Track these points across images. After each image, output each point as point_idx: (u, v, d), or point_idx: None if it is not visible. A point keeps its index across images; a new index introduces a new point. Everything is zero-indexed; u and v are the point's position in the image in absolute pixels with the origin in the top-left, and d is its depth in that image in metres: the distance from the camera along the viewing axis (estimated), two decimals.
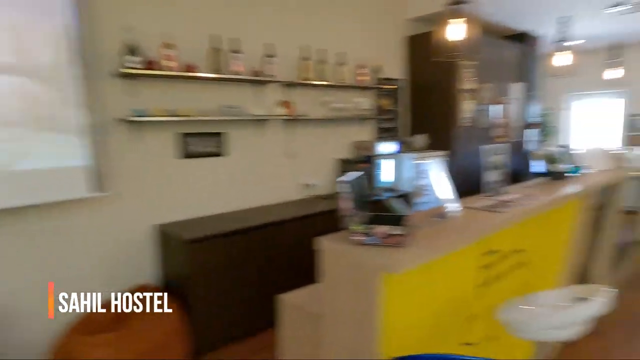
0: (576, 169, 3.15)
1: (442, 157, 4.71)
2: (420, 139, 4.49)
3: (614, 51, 4.48)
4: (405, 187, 1.71)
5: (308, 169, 3.95)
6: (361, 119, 4.34)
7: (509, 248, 2.14)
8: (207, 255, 2.72)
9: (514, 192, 2.36)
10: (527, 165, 5.86)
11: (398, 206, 1.89)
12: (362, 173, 1.68)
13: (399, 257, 1.33)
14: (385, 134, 4.63)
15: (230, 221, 3.07)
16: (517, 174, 5.68)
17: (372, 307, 1.37)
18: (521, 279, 2.30)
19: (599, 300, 1.40)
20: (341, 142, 4.27)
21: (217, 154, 3.29)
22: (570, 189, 2.54)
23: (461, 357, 1.32)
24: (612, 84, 4.60)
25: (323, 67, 3.78)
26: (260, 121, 3.48)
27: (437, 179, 1.88)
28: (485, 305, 2.06)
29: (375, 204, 1.60)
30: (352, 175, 1.58)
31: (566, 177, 2.93)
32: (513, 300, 1.65)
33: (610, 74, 4.44)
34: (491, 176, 2.29)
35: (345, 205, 1.50)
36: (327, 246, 1.53)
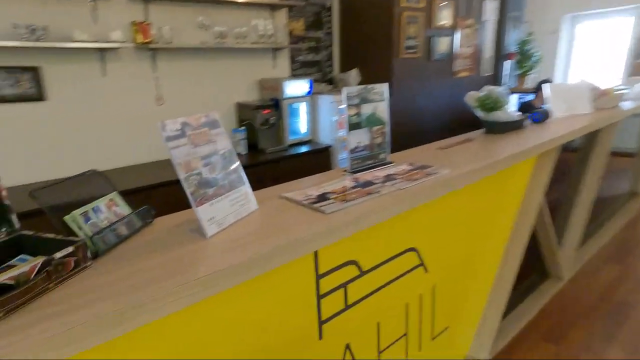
0: (539, 116, 2.25)
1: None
2: (352, 76, 3.46)
3: None
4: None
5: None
6: (272, 49, 3.30)
7: (380, 255, 1.29)
8: None
9: (402, 163, 1.45)
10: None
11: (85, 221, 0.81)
12: None
13: None
14: (307, 69, 3.59)
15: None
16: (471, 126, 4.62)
17: None
18: (411, 293, 1.47)
19: None
20: (244, 80, 3.28)
21: (30, 99, 2.34)
22: (509, 148, 1.63)
23: None
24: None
25: None
26: (97, 52, 2.47)
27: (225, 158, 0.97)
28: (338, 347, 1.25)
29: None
30: None
31: (517, 128, 2.03)
32: None
33: None
34: (356, 138, 1.36)
35: None
36: None
